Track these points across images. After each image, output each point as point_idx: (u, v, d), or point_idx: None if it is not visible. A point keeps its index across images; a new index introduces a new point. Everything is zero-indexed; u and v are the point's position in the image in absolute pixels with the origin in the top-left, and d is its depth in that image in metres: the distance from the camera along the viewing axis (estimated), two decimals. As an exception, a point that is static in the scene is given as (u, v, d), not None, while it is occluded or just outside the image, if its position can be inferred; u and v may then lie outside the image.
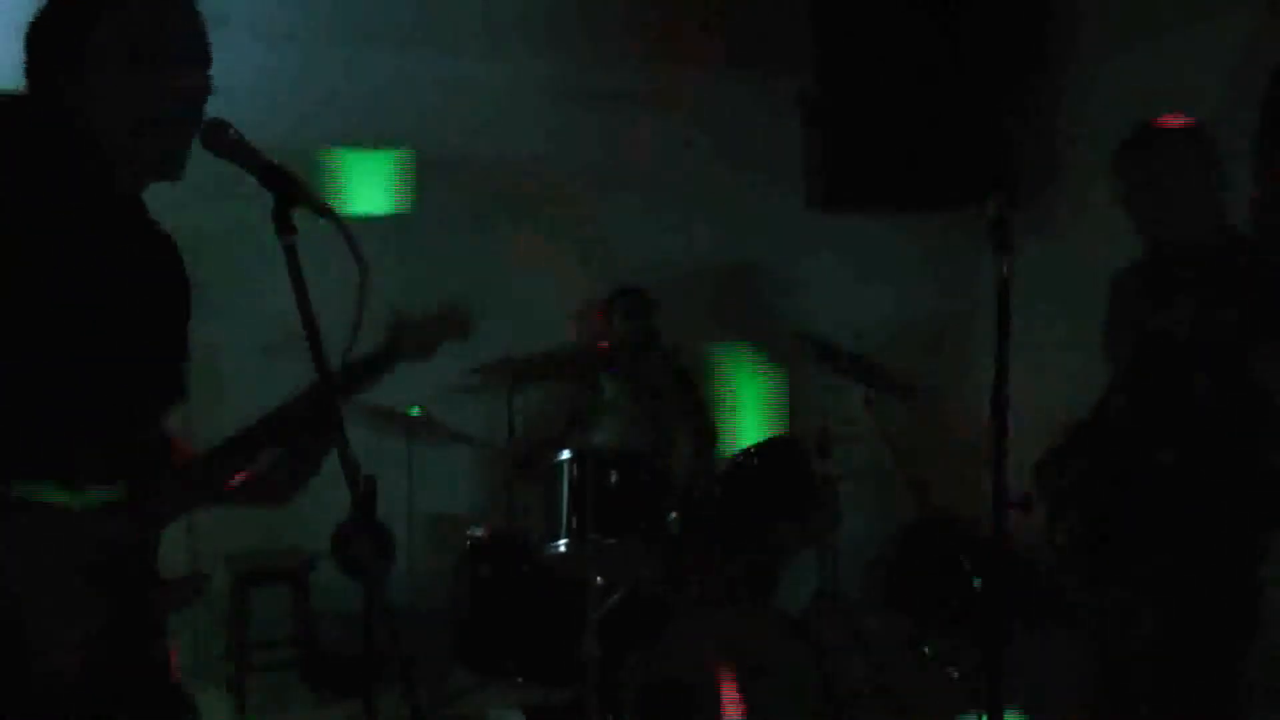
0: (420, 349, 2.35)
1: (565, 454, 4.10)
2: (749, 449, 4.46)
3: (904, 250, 6.00)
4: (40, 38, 1.84)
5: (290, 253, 1.72)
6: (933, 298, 6.05)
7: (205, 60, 1.89)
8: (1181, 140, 2.84)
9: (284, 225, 1.74)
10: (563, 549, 3.90)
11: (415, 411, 4.71)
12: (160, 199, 1.96)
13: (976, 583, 4.54)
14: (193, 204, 2.03)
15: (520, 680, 4.18)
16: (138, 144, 1.84)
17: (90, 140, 1.82)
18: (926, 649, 4.71)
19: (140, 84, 1.82)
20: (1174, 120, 2.86)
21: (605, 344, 5.04)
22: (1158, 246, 2.89)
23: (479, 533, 4.47)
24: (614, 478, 4.00)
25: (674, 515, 4.19)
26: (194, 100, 1.87)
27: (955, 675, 4.46)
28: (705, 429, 5.22)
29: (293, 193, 1.75)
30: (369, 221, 5.09)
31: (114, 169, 1.85)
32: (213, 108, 1.87)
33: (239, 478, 2.03)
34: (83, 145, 1.82)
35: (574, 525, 3.93)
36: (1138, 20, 4.95)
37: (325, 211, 1.77)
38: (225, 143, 1.80)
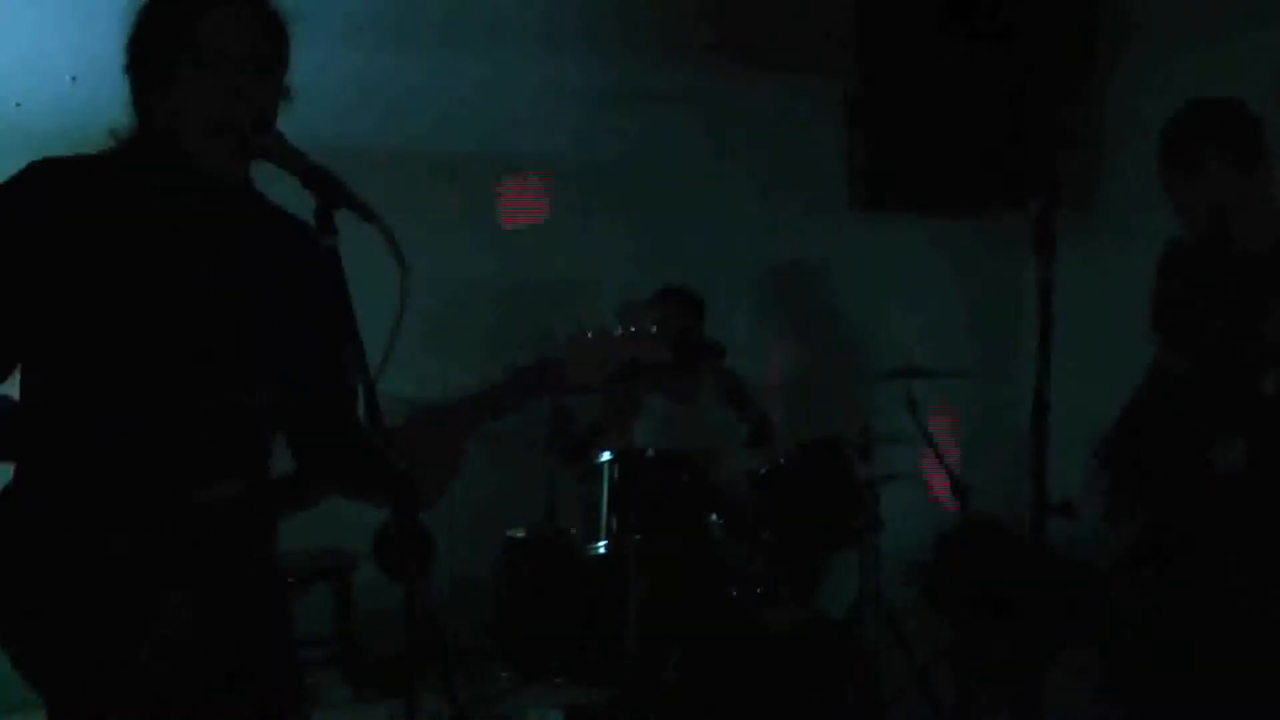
0: (591, 377, 2.21)
1: (606, 455, 4.11)
2: (791, 450, 4.44)
3: (947, 252, 5.95)
4: (133, 54, 1.88)
5: (332, 255, 1.73)
6: (977, 300, 6.00)
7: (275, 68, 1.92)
8: (1227, 120, 2.79)
9: (325, 227, 1.75)
10: (603, 550, 3.91)
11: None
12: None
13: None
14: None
15: (560, 680, 4.18)
16: (213, 144, 1.86)
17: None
18: None
19: (208, 89, 1.84)
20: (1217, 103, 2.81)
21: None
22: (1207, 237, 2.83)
23: (519, 533, 4.48)
24: (654, 479, 4.00)
25: (715, 517, 4.18)
26: (262, 106, 1.88)
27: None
28: (763, 424, 5.12)
29: (335, 195, 1.75)
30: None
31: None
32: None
33: None
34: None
35: (614, 526, 3.93)
36: (1190, 23, 4.88)
37: (368, 213, 1.77)
38: (266, 144, 1.81)
